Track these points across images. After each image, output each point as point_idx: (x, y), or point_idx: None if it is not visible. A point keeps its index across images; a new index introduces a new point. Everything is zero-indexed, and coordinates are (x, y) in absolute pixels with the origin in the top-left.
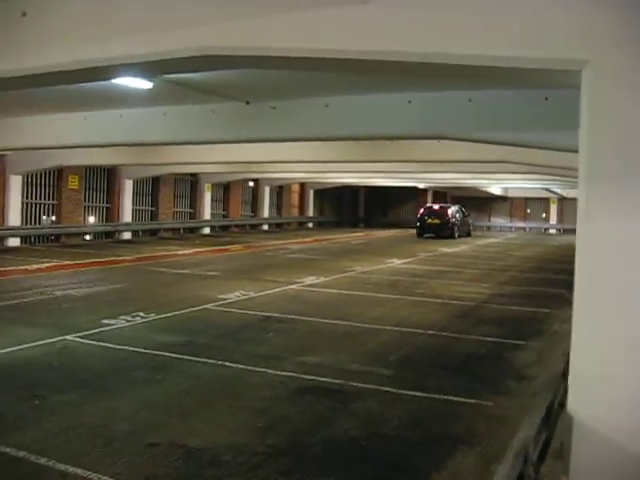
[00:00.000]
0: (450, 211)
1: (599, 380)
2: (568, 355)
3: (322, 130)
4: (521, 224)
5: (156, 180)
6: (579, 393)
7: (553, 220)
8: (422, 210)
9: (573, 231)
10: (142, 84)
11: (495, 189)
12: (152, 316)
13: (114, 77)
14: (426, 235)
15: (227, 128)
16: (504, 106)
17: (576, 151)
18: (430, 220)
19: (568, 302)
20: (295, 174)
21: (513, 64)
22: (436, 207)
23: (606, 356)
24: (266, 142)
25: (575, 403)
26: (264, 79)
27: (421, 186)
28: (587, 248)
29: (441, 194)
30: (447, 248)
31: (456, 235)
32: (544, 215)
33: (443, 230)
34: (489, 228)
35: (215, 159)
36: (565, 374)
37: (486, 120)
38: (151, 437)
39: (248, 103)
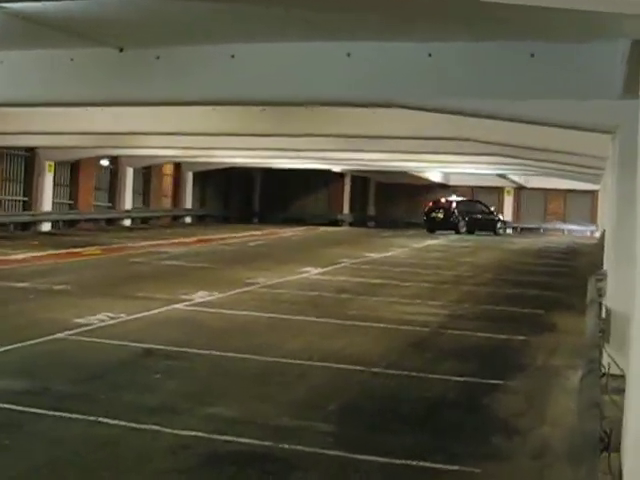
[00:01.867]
0: (454, 204)
1: None
2: (593, 405)
3: (225, 90)
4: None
5: None
6: None
7: (507, 216)
8: (430, 204)
9: (533, 230)
10: None
11: (434, 175)
12: None
13: None
14: (438, 232)
15: (90, 84)
16: (475, 64)
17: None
18: (434, 214)
19: (547, 326)
20: (168, 151)
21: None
22: (442, 201)
23: None
24: (146, 105)
25: None
26: (145, 15)
27: (336, 169)
28: None
29: (362, 180)
30: (376, 253)
31: (461, 230)
32: (494, 209)
33: (446, 225)
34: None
35: (59, 128)
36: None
37: (450, 82)
38: None
39: (122, 50)
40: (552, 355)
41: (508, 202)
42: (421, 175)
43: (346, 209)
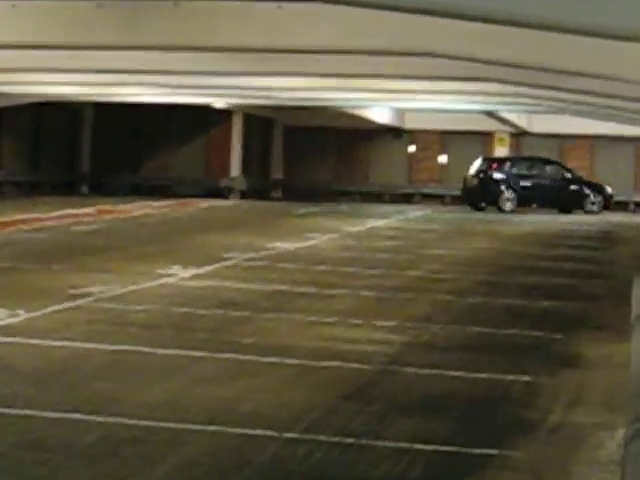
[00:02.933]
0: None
1: None
2: None
3: None
4: (434, 189)
5: None
6: None
7: None
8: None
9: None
10: None
11: (379, 114)
12: None
13: None
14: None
15: None
16: None
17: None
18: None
19: (568, 359)
20: None
21: None
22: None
23: None
24: None
25: None
26: None
27: (219, 105)
28: None
29: (262, 122)
30: (286, 243)
31: (506, 208)
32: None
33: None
34: (367, 196)
35: None
36: None
37: None
38: None
39: None
40: (574, 407)
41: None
42: (359, 114)
43: (235, 170)
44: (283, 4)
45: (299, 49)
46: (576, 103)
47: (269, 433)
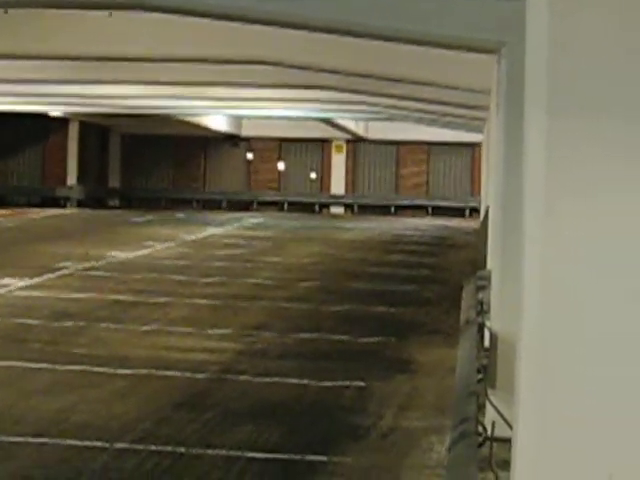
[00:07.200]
0: None
1: None
2: None
3: None
4: (272, 196)
5: None
6: None
7: (338, 187)
8: None
9: (381, 209)
10: None
11: (217, 121)
12: None
13: None
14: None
15: None
16: None
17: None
18: None
19: (400, 364)
20: None
21: None
22: None
23: None
24: None
25: None
26: None
27: (55, 113)
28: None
29: (99, 131)
30: (122, 252)
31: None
32: (314, 176)
33: None
34: (205, 203)
35: None
36: None
37: None
38: None
39: None
40: (406, 412)
41: (339, 164)
42: (196, 122)
43: (72, 179)
44: (114, 12)
45: (132, 57)
46: (412, 110)
47: (100, 444)
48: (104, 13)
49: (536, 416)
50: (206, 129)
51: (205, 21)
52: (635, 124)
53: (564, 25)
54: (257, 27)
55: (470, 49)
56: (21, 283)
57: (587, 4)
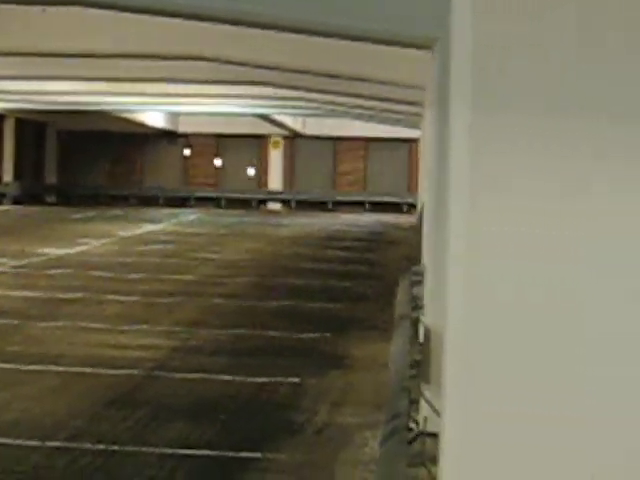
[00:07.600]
0: None
1: None
2: None
3: None
4: (209, 193)
5: None
6: None
7: (276, 183)
8: None
9: (319, 205)
10: None
11: (153, 117)
12: None
13: None
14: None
15: None
16: None
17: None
18: None
19: (335, 360)
20: None
21: None
22: None
23: None
24: None
25: None
26: None
27: None
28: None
29: (35, 127)
30: (57, 249)
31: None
32: (252, 172)
33: None
34: (143, 200)
35: None
36: None
37: None
38: None
39: None
40: (341, 407)
41: (276, 160)
42: (133, 118)
43: (8, 176)
44: (47, 8)
45: (68, 53)
46: (350, 106)
47: (31, 443)
48: (37, 9)
49: (461, 410)
50: (143, 125)
51: (142, 17)
52: (555, 119)
53: (487, 24)
54: (194, 23)
55: (404, 45)
56: None
57: (508, 5)
